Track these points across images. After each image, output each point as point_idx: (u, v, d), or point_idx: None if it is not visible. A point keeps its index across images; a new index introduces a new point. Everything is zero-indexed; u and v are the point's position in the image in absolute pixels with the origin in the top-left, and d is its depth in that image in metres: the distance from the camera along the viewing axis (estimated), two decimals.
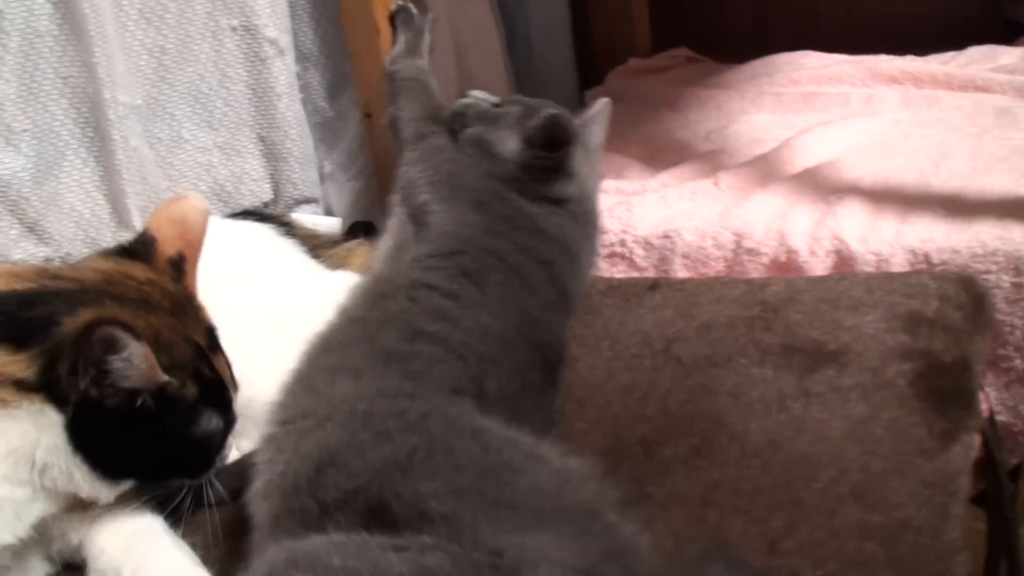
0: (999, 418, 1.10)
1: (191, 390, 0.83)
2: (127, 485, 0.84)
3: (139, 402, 0.79)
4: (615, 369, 0.99)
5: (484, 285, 0.92)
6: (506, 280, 0.94)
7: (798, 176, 1.30)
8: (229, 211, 1.34)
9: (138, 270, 0.90)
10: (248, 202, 1.37)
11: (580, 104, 1.84)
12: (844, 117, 1.49)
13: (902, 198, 1.21)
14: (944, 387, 0.87)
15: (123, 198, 1.26)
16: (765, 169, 1.33)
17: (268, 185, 1.38)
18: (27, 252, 1.22)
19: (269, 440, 0.82)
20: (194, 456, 0.86)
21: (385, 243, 1.03)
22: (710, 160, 1.40)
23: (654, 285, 1.11)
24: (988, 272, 1.08)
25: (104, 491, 0.82)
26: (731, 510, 0.79)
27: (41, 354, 0.78)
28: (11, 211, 1.22)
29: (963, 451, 0.82)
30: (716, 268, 1.22)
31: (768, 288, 1.05)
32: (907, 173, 1.28)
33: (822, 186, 1.26)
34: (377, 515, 0.69)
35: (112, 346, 0.76)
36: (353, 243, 1.29)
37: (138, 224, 1.27)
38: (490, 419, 0.80)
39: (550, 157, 1.02)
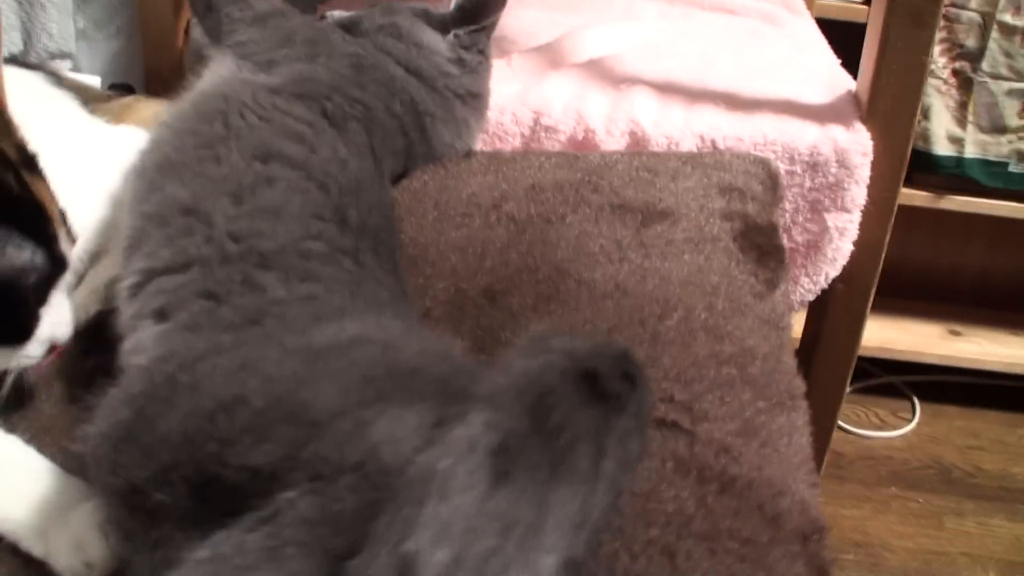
0: None
1: None
2: None
3: None
4: (445, 228, 1.00)
5: (342, 129, 0.91)
6: (367, 132, 0.94)
7: (587, 65, 1.38)
8: None
9: None
10: None
11: None
12: (612, 20, 1.59)
13: (686, 91, 1.31)
14: (761, 243, 0.98)
15: None
16: (553, 56, 1.39)
17: (18, 34, 1.25)
18: None
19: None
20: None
21: (211, 74, 0.98)
22: (494, 44, 1.44)
23: (468, 153, 1.14)
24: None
25: None
26: None
27: None
28: None
29: (784, 295, 0.94)
30: (513, 144, 1.27)
31: (586, 158, 1.11)
32: (681, 74, 1.39)
33: (610, 75, 1.34)
34: (207, 489, 0.60)
35: None
36: (129, 99, 1.20)
37: None
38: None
39: (481, 28, 1.09)
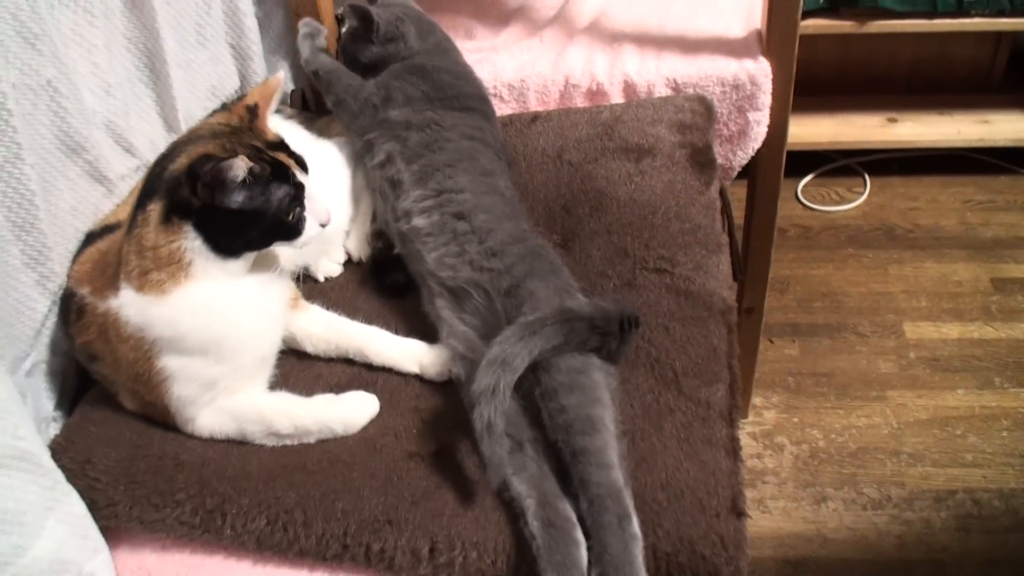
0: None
1: (264, 169, 1.37)
2: (249, 257, 1.43)
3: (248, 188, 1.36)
4: (534, 173, 2.02)
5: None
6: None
7: (588, 29, 2.37)
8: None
9: (218, 117, 1.51)
10: (227, 97, 2.23)
11: None
12: None
13: (654, 41, 2.32)
14: (701, 160, 2.02)
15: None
16: (568, 27, 2.39)
17: (236, 80, 2.24)
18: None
19: None
20: (279, 222, 1.41)
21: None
22: (522, 21, 2.44)
23: (534, 118, 2.17)
24: (708, 87, 2.24)
25: (232, 266, 1.40)
26: (623, 233, 1.86)
27: (164, 195, 1.36)
28: None
29: (715, 190, 1.99)
30: (554, 100, 2.26)
31: (602, 114, 2.13)
32: (649, 19, 2.39)
33: (604, 34, 2.33)
34: None
35: (220, 170, 1.31)
36: (325, 119, 2.20)
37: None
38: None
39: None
